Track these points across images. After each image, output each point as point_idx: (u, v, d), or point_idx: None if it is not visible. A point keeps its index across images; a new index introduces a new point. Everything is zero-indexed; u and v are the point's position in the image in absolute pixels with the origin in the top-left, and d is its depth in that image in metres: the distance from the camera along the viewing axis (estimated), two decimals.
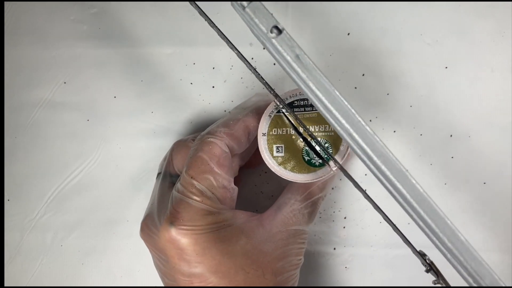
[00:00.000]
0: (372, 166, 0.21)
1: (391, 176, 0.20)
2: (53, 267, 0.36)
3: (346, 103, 0.21)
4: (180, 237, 0.25)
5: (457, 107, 0.32)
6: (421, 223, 0.20)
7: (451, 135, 0.32)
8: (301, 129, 0.27)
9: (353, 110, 0.21)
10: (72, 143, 0.35)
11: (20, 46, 0.35)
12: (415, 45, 0.32)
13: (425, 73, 0.32)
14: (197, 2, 0.25)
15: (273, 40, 0.20)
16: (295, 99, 0.28)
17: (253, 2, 0.20)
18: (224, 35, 0.25)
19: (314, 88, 0.21)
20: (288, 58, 0.21)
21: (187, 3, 0.25)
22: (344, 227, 0.34)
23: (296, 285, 0.28)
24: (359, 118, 0.20)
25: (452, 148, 0.32)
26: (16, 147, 0.35)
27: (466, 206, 0.32)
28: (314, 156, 0.27)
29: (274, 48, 0.21)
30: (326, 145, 0.27)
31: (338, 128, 0.21)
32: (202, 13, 0.25)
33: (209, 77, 0.34)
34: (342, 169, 0.25)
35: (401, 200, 0.20)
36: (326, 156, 0.26)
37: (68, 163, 0.35)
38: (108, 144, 0.35)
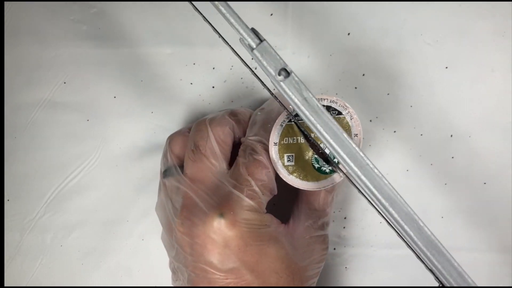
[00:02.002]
0: (380, 207, 0.21)
1: (399, 219, 0.21)
2: (53, 267, 0.36)
3: (354, 145, 0.21)
4: (227, 229, 0.25)
5: (457, 107, 0.32)
6: (429, 264, 0.21)
7: (451, 135, 0.32)
8: (312, 135, 0.27)
9: (361, 153, 0.21)
10: (72, 143, 0.35)
11: (20, 46, 0.35)
12: (415, 45, 0.32)
13: (425, 73, 0.32)
14: (197, 2, 0.25)
15: (281, 83, 0.21)
16: None
17: (262, 44, 0.21)
18: (223, 37, 0.25)
19: (322, 130, 0.21)
20: (296, 100, 0.21)
21: (187, 3, 0.25)
22: (344, 227, 0.34)
23: None
24: (368, 161, 0.21)
25: (452, 148, 0.32)
26: (16, 147, 0.35)
27: (466, 206, 0.32)
28: (324, 163, 0.27)
29: (283, 90, 0.21)
30: None
31: (347, 168, 0.21)
32: (201, 14, 0.25)
33: (209, 77, 0.34)
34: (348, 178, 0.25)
35: (409, 240, 0.21)
36: (335, 162, 0.26)
37: (68, 163, 0.35)
38: (108, 144, 0.35)
